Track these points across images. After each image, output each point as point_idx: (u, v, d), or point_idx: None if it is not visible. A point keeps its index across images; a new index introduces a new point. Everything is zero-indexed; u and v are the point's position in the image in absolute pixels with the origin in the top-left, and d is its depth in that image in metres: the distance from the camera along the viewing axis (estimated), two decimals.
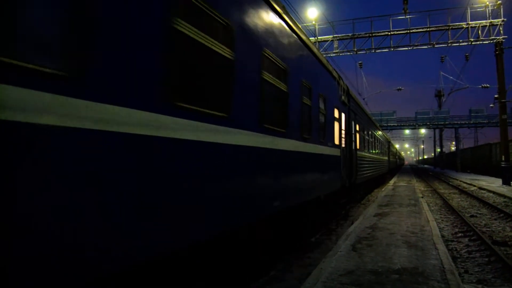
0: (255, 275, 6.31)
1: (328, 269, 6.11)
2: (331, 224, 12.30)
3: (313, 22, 30.42)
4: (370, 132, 21.47)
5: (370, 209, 13.80)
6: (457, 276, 5.86)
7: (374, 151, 23.53)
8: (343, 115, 12.62)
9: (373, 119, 26.20)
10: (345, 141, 12.93)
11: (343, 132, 12.54)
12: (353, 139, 14.66)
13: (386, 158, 35.89)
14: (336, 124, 11.46)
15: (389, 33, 29.80)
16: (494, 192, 22.09)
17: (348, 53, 30.98)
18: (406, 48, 30.21)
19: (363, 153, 17.85)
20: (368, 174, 19.79)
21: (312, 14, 30.10)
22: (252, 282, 6.12)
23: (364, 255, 7.08)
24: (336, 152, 11.16)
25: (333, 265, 6.35)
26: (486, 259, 8.28)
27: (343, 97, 12.48)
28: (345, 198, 14.24)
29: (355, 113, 15.20)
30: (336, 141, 11.31)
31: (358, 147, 15.77)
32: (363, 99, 37.91)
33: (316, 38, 30.12)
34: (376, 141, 25.30)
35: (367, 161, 19.13)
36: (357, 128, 15.96)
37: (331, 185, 10.75)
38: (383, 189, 24.60)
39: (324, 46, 30.87)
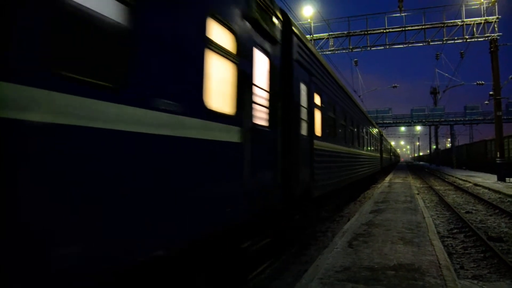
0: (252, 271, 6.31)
1: (325, 266, 6.13)
2: None
3: (309, 20, 30.44)
4: (349, 117, 14.91)
5: (366, 206, 13.84)
6: (453, 272, 5.90)
7: (356, 144, 16.89)
8: (258, 55, 6.12)
9: (356, 101, 18.63)
10: (271, 114, 6.46)
11: (257, 91, 5.95)
12: (305, 117, 8.27)
13: (377, 154, 29.25)
14: (226, 66, 5.09)
15: (385, 31, 29.88)
16: (489, 189, 22.20)
17: (344, 51, 31.06)
18: (401, 46, 30.29)
19: (333, 145, 11.21)
20: (343, 178, 13.11)
21: (308, 12, 30.13)
22: (249, 280, 6.13)
23: (360, 251, 7.11)
24: (220, 133, 4.76)
25: (329, 262, 6.37)
26: (482, 254, 8.34)
27: (256, 13, 5.87)
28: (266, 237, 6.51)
29: (310, 72, 8.67)
30: (227, 108, 5.05)
31: (319, 133, 9.57)
32: (359, 96, 37.94)
33: (311, 36, 30.13)
34: (361, 131, 18.93)
35: (340, 158, 12.66)
36: (318, 102, 9.61)
37: (203, 218, 4.30)
38: (379, 186, 24.66)
39: (320, 44, 30.89)
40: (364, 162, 19.90)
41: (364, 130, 20.28)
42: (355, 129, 16.85)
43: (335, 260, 6.47)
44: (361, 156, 18.66)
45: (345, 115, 13.88)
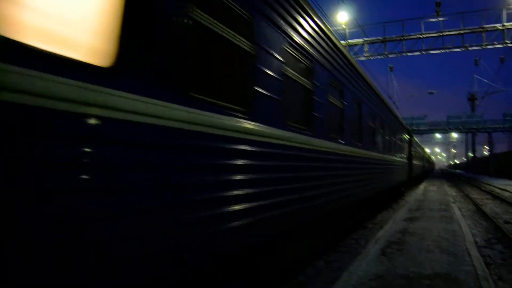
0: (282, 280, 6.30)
1: (358, 273, 6.08)
2: None
3: (343, 26, 30.27)
4: (332, 86, 7.75)
5: (400, 213, 13.61)
6: (492, 283, 5.74)
7: (356, 140, 9.83)
8: None
9: (367, 77, 11.56)
10: None
11: None
12: None
13: (403, 160, 21.59)
14: None
15: (421, 36, 29.38)
16: None
17: (379, 57, 30.72)
18: (439, 51, 29.71)
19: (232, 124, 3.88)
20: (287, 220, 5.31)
21: (342, 18, 29.94)
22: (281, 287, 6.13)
23: (394, 259, 7.01)
24: None
25: (363, 269, 6.31)
26: None
27: None
28: None
29: None
30: None
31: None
32: (394, 102, 37.39)
33: (346, 41, 29.95)
34: (372, 123, 12.09)
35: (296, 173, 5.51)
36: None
37: None
38: (412, 194, 24.20)
39: (355, 49, 30.66)
40: (377, 170, 12.96)
41: (379, 124, 13.45)
42: (356, 116, 9.94)
43: (368, 268, 6.41)
44: (370, 161, 11.59)
45: (317, 77, 6.68)
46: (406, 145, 24.05)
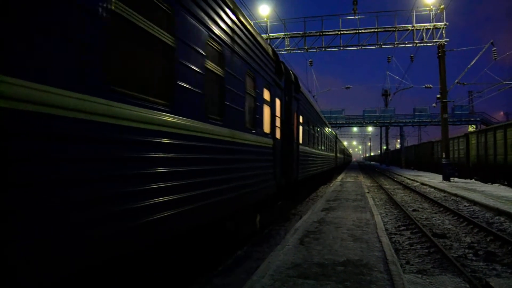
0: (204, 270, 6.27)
1: (276, 263, 6.18)
2: None
3: (265, 19, 30.60)
4: None
5: (318, 204, 14.05)
6: (399, 267, 6.10)
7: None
8: None
9: None
10: None
11: None
12: None
13: (258, 139, 7.95)
14: None
15: (339, 33, 30.42)
16: (435, 188, 23.11)
17: (299, 51, 31.40)
18: (355, 48, 30.93)
19: None
20: None
21: (264, 11, 30.27)
22: (201, 277, 6.09)
23: (311, 248, 7.22)
24: None
25: (281, 259, 6.42)
26: (426, 250, 8.67)
27: None
28: None
29: None
30: None
31: None
32: (313, 96, 38.53)
33: (268, 35, 30.31)
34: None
35: None
36: None
37: None
38: (331, 185, 25.11)
39: (276, 43, 31.11)
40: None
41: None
42: None
43: (286, 257, 6.54)
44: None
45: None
46: (274, 101, 9.92)
